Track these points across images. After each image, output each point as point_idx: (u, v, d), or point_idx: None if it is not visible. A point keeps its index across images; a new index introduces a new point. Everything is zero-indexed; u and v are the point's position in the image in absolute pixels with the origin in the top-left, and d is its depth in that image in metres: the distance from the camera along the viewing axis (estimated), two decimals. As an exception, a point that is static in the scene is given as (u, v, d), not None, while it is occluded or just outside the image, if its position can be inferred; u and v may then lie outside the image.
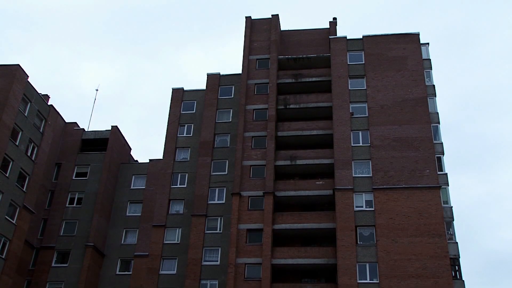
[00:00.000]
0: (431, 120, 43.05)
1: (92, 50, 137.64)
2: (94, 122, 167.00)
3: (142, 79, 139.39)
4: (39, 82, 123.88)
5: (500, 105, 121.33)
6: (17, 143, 40.44)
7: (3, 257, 38.35)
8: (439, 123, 43.60)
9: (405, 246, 37.93)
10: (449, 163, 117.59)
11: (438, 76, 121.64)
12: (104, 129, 50.44)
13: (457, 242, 39.12)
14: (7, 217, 38.90)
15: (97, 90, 56.56)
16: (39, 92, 43.85)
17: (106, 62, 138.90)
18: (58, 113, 47.31)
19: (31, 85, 42.51)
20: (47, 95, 48.28)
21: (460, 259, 38.46)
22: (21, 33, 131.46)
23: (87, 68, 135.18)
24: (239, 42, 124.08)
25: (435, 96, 44.91)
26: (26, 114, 41.77)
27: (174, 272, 42.19)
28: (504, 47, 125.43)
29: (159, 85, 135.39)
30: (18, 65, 41.00)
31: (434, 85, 45.44)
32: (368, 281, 37.42)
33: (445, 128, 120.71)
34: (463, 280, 37.59)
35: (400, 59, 46.12)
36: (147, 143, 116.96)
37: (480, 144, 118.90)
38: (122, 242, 45.53)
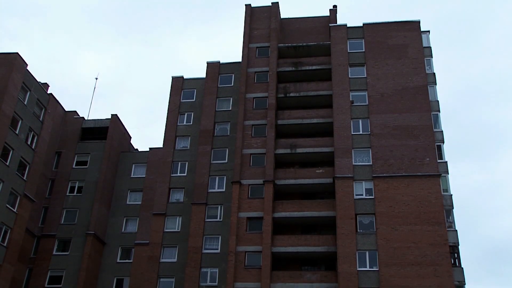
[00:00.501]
0: (431, 108, 43.00)
1: (89, 38, 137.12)
2: (93, 111, 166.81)
3: (141, 67, 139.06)
4: (37, 71, 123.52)
5: (500, 92, 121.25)
6: (17, 132, 40.43)
7: (5, 245, 38.52)
8: (439, 111, 43.59)
9: (404, 234, 38.09)
10: (449, 151, 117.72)
11: (439, 64, 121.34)
12: (104, 118, 50.42)
13: (456, 230, 39.32)
14: (8, 206, 39.02)
15: (96, 78, 56.52)
16: (38, 80, 43.73)
17: (104, 50, 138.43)
18: (57, 101, 47.24)
19: (30, 73, 42.38)
20: (46, 83, 48.17)
21: (459, 246, 38.67)
22: (18, 21, 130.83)
23: (85, 56, 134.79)
24: (239, 30, 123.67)
25: (436, 84, 44.84)
26: (25, 103, 41.70)
27: (175, 260, 42.40)
28: (505, 35, 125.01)
29: (158, 73, 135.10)
30: (17, 53, 40.84)
31: (434, 73, 45.35)
32: (368, 268, 37.62)
33: (445, 116, 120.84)
34: (462, 268, 37.86)
35: (401, 47, 45.95)
36: (147, 132, 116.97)
37: (480, 131, 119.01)
38: (123, 230, 45.73)
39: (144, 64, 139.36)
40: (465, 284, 37.24)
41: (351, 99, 44.33)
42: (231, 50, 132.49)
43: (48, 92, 46.23)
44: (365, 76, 45.22)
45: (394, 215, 38.86)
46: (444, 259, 36.87)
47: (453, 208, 39.96)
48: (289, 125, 45.28)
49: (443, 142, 42.19)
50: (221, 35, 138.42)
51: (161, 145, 47.53)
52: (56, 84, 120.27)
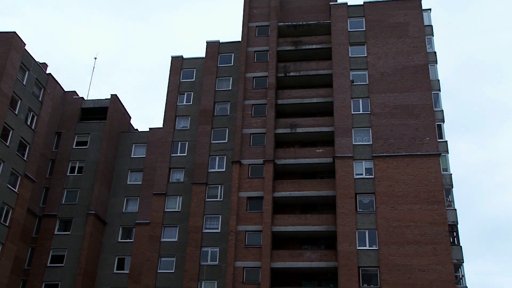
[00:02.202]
0: (431, 87, 42.82)
1: (83, 15, 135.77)
2: (92, 90, 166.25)
3: (137, 44, 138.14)
4: (33, 50, 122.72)
5: (500, 69, 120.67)
6: (16, 112, 40.34)
7: (7, 224, 38.77)
8: (439, 90, 43.45)
9: (404, 213, 38.28)
10: (448, 129, 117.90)
11: (439, 41, 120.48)
12: (104, 98, 50.26)
13: (455, 209, 39.58)
14: (9, 186, 39.16)
15: (95, 58, 56.18)
16: (36, 60, 43.49)
17: (99, 28, 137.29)
18: (56, 81, 47.06)
19: (29, 53, 42.11)
20: (45, 63, 47.90)
21: (458, 225, 38.94)
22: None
23: (80, 34, 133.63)
24: (237, 7, 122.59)
25: (436, 63, 44.60)
26: (24, 83, 41.52)
27: (175, 239, 42.69)
28: (505, 11, 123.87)
29: (156, 52, 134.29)
30: (14, 32, 40.52)
31: (435, 52, 45.07)
32: (367, 247, 37.90)
33: (445, 94, 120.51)
34: (461, 246, 38.21)
35: (401, 25, 45.57)
36: (146, 112, 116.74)
37: (480, 109, 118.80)
38: (124, 210, 45.96)
39: (140, 41, 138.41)
40: (463, 262, 37.63)
41: (351, 79, 44.14)
42: (230, 28, 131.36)
43: (47, 72, 45.99)
44: (366, 55, 44.94)
45: (393, 194, 39.01)
46: (443, 237, 37.12)
47: (452, 187, 40.13)
48: (289, 104, 45.15)
49: (443, 122, 42.16)
50: (220, 14, 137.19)
51: (161, 125, 47.51)
52: (51, 63, 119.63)
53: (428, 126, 41.10)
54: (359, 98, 43.38)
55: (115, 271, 43.38)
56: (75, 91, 51.01)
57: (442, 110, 42.60)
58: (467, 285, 37.10)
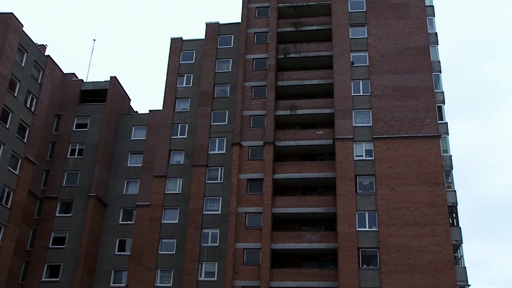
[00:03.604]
0: (432, 68, 42.64)
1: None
2: (91, 72, 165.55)
3: (137, 27, 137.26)
4: (32, 31, 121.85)
5: (500, 49, 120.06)
6: (15, 94, 40.20)
7: (8, 206, 38.93)
8: (440, 71, 43.27)
9: (404, 194, 38.42)
10: (448, 109, 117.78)
11: (439, 21, 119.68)
12: (103, 80, 50.05)
13: (455, 190, 39.73)
14: (9, 168, 39.21)
15: (94, 40, 55.77)
16: (34, 42, 43.22)
17: (99, 10, 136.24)
18: (55, 63, 46.82)
19: (27, 34, 41.81)
20: (43, 45, 47.59)
21: (457, 206, 39.12)
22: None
23: (79, 16, 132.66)
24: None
25: (437, 44, 44.32)
26: (23, 65, 41.31)
27: (176, 221, 42.91)
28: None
29: (156, 34, 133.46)
30: (12, 13, 40.15)
31: (436, 33, 44.77)
32: (367, 229, 38.12)
33: (445, 73, 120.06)
34: (460, 227, 38.42)
35: (402, 6, 45.18)
36: (146, 94, 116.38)
37: (480, 89, 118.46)
38: (124, 192, 46.05)
39: (139, 22, 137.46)
40: (462, 242, 37.89)
41: (351, 60, 43.93)
42: (229, 9, 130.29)
43: (46, 54, 45.72)
44: (366, 36, 44.66)
45: (393, 176, 39.11)
46: (443, 219, 37.32)
47: (452, 169, 40.23)
48: (289, 86, 45.01)
49: (444, 103, 42.09)
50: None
51: (161, 107, 47.41)
52: (50, 45, 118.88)
53: (429, 107, 41.03)
54: (359, 79, 43.23)
55: (116, 252, 43.65)
56: (74, 73, 50.78)
57: (443, 92, 42.50)
58: (465, 265, 37.39)
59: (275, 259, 39.83)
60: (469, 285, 36.42)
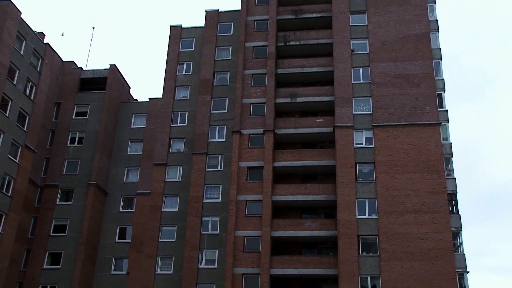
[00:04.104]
0: (432, 56, 42.49)
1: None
2: (90, 61, 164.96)
3: (137, 14, 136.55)
4: (30, 19, 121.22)
5: (502, 35, 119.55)
6: (14, 83, 40.08)
7: (9, 194, 39.00)
8: (441, 59, 43.13)
9: (404, 182, 38.49)
10: (449, 96, 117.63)
11: (439, 7, 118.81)
12: (103, 68, 49.86)
13: (455, 178, 39.79)
14: (9, 156, 39.22)
15: (93, 28, 55.43)
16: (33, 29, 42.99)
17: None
18: (54, 51, 46.62)
19: (25, 22, 41.58)
20: (42, 32, 47.34)
21: (457, 194, 39.22)
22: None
23: (77, 3, 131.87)
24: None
25: (438, 31, 44.11)
26: (22, 53, 41.14)
27: (176, 209, 43.03)
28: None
29: (155, 21, 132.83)
30: (10, 0, 39.89)
31: (437, 20, 44.54)
32: (367, 216, 38.25)
33: (445, 60, 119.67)
34: (459, 215, 38.53)
35: (403, -7, 44.85)
36: (145, 82, 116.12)
37: (481, 76, 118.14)
38: (124, 180, 46.09)
39: (138, 10, 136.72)
40: (461, 230, 38.04)
41: (351, 48, 43.76)
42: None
43: (44, 41, 45.50)
44: (366, 23, 44.44)
45: (393, 163, 39.15)
46: (442, 206, 37.44)
47: (452, 157, 40.27)
48: (289, 74, 44.90)
49: (444, 91, 42.02)
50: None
51: (160, 95, 47.32)
52: (48, 33, 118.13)
53: (429, 95, 40.98)
54: (359, 67, 43.12)
55: (116, 240, 43.81)
56: (73, 61, 50.58)
57: (443, 79, 42.40)
58: (464, 252, 37.56)
59: (275, 246, 40.01)
60: (468, 272, 36.63)
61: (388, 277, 36.06)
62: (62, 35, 52.60)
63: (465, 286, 36.15)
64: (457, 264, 36.19)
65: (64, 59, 49.95)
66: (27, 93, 41.74)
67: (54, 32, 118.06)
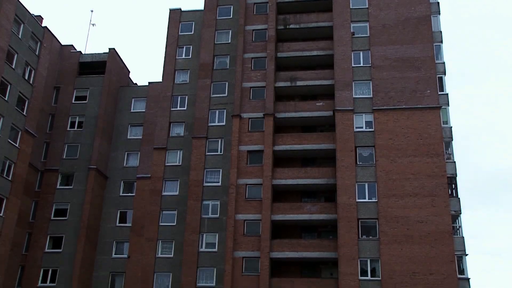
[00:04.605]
0: (433, 39, 42.23)
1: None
2: (89, 44, 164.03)
3: None
4: (27, 2, 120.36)
5: (504, 18, 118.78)
6: (13, 66, 39.86)
7: (10, 179, 39.05)
8: (441, 42, 42.89)
9: (403, 165, 38.53)
10: (449, 79, 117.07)
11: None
12: (102, 52, 49.61)
13: (454, 162, 39.82)
14: (9, 141, 39.18)
15: (92, 11, 55.05)
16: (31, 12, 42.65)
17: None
18: (53, 35, 46.29)
19: (22, 5, 41.22)
20: (40, 16, 46.98)
21: (457, 177, 39.28)
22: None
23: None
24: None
25: (439, 14, 43.79)
26: (20, 36, 40.84)
27: (177, 193, 43.12)
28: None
29: (154, 4, 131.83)
30: (7, -17, 39.52)
31: (438, 2, 44.19)
32: (367, 200, 38.36)
33: (446, 43, 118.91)
34: (459, 198, 38.62)
35: (404, -25, 44.40)
36: (145, 66, 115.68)
37: (482, 59, 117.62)
38: (124, 164, 46.14)
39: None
40: (461, 213, 38.17)
41: (352, 31, 43.47)
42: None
43: (42, 25, 45.18)
44: (367, 6, 44.09)
45: (393, 147, 39.16)
46: (442, 190, 37.53)
47: (452, 140, 40.25)
48: (289, 57, 44.70)
49: (445, 74, 41.84)
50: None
51: (160, 79, 47.14)
52: (46, 16, 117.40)
53: (429, 78, 40.83)
54: (359, 50, 42.90)
55: (117, 224, 44.00)
56: (72, 45, 50.29)
57: (444, 63, 42.20)
58: (463, 235, 37.76)
59: (275, 230, 40.18)
60: (466, 255, 36.84)
61: (388, 260, 36.28)
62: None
63: (463, 269, 36.38)
64: (456, 247, 36.38)
65: (62, 43, 49.65)
66: (26, 77, 41.55)
67: (51, 15, 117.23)
